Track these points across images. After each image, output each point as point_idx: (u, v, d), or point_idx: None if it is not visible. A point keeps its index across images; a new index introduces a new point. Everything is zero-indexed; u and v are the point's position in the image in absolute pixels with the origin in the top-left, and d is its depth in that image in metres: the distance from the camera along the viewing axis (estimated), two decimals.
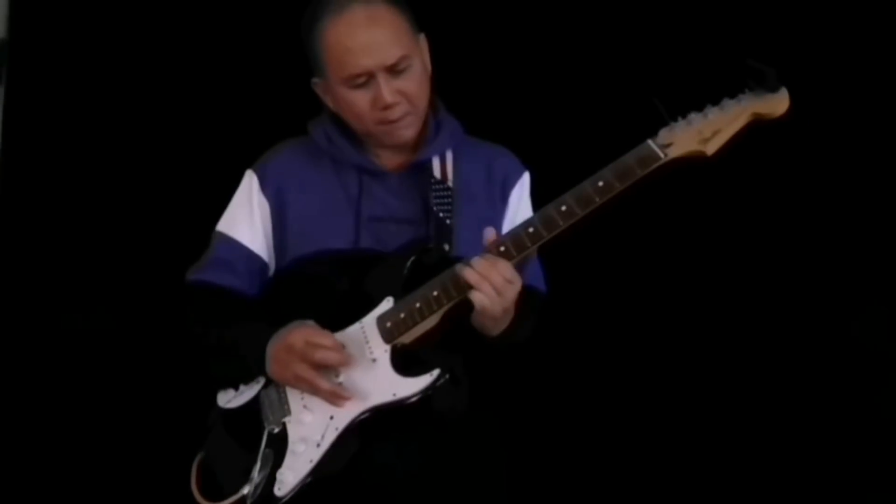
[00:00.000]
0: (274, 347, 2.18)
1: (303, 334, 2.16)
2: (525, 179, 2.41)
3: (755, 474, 3.08)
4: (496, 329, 2.17)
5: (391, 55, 2.22)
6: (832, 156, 3.01)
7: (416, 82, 2.26)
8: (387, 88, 2.22)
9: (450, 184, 2.32)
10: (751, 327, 3.09)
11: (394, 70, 2.23)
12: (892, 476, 3.01)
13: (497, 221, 2.33)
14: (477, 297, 2.08)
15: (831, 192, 3.03)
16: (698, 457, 3.09)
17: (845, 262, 3.05)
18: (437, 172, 2.33)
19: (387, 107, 2.24)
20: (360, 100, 2.25)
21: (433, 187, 2.31)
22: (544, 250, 2.15)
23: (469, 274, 2.09)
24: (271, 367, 2.19)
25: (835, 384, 3.06)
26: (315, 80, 2.33)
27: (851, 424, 3.05)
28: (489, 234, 2.12)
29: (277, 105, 3.03)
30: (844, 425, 3.05)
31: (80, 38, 3.39)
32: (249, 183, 2.38)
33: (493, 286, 2.07)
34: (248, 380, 2.28)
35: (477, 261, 2.09)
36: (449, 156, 2.36)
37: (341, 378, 2.16)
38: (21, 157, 3.41)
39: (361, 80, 2.23)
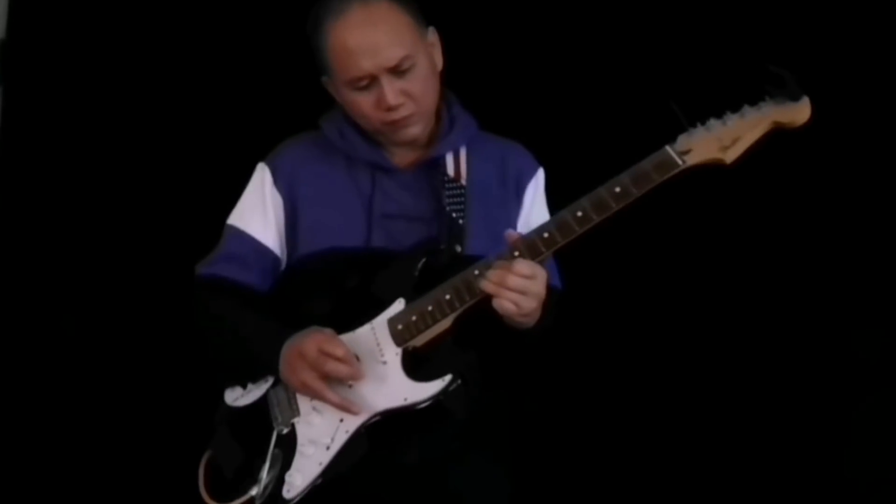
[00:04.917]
0: (288, 350, 2.14)
1: (317, 342, 2.11)
2: (539, 176, 2.38)
3: (756, 474, 3.07)
4: (530, 322, 2.12)
5: (392, 56, 2.18)
6: (848, 163, 2.98)
7: (420, 81, 2.22)
8: (390, 90, 2.19)
9: (463, 182, 2.29)
10: (758, 331, 3.07)
11: (396, 71, 2.19)
12: (891, 476, 3.01)
13: (511, 220, 2.31)
14: (497, 304, 2.05)
15: (846, 199, 3.00)
16: (703, 456, 3.08)
17: (859, 268, 3.03)
18: (450, 170, 2.30)
19: (390, 108, 2.20)
20: (363, 101, 2.22)
21: (446, 186, 2.28)
22: (557, 249, 2.12)
23: (486, 286, 2.06)
24: (283, 368, 2.16)
25: (837, 388, 3.05)
26: (324, 77, 2.30)
27: (852, 426, 3.05)
28: (510, 236, 2.09)
29: (287, 99, 2.99)
30: (845, 427, 3.05)
31: (80, 39, 3.35)
32: (262, 176, 2.34)
33: (513, 290, 2.04)
34: (256, 378, 2.25)
35: (491, 272, 2.06)
36: (462, 153, 2.33)
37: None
38: (20, 157, 3.38)
39: (364, 82, 2.20)
